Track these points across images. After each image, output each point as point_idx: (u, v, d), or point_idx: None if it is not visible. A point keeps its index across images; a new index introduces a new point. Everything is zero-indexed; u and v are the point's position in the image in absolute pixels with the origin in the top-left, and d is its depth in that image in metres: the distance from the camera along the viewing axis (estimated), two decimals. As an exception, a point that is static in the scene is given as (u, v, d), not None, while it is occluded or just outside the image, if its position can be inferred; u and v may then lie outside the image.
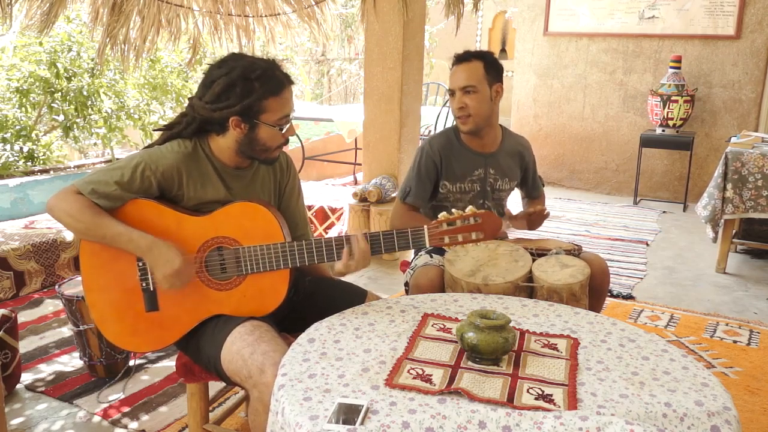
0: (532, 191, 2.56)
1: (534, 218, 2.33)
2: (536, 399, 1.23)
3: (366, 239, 1.65)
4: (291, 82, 1.73)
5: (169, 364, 2.70)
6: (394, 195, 4.13)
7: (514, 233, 3.70)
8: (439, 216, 1.64)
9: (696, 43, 5.74)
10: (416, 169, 2.34)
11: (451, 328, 1.54)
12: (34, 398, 2.44)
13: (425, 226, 1.63)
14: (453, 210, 1.63)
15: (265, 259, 1.66)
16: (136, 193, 1.68)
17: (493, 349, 1.35)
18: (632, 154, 6.02)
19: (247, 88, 1.65)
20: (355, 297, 1.87)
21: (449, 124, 3.37)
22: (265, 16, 4.22)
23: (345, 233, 1.69)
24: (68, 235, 3.64)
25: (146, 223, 1.67)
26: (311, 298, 1.91)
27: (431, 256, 2.28)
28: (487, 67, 2.24)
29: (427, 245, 1.63)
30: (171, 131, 1.77)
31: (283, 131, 1.74)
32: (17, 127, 4.69)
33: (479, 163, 2.34)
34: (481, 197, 2.35)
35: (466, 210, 1.62)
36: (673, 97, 5.46)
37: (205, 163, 1.75)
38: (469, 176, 2.33)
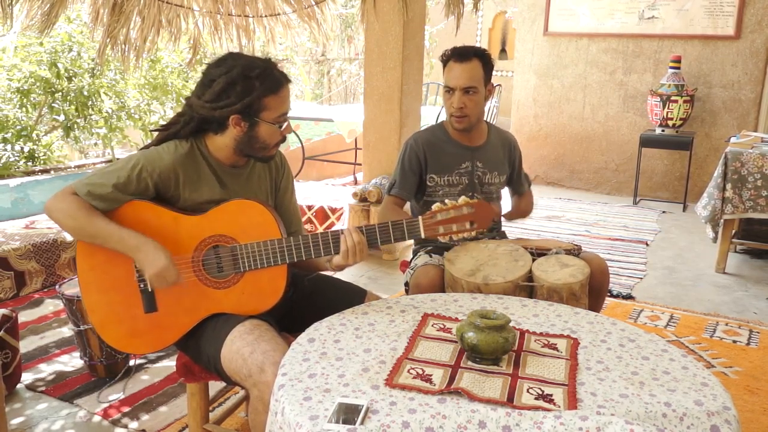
0: (518, 187, 2.58)
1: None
2: (536, 399, 1.24)
3: (361, 231, 1.67)
4: (288, 81, 1.75)
5: (169, 364, 2.70)
6: (394, 195, 4.13)
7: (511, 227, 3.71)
8: (432, 207, 1.65)
9: (696, 44, 5.74)
10: (401, 163, 2.39)
11: (451, 328, 1.54)
12: (35, 398, 2.44)
13: (420, 217, 1.64)
14: (446, 201, 1.65)
15: (263, 255, 1.67)
16: (132, 194, 1.68)
17: (493, 349, 1.35)
18: (632, 154, 6.02)
19: (248, 86, 1.66)
20: (355, 297, 1.88)
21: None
22: (265, 16, 4.22)
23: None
24: (68, 235, 3.63)
25: (143, 224, 1.67)
26: (311, 298, 1.91)
27: (431, 256, 2.29)
28: (484, 67, 2.27)
29: (422, 235, 1.64)
30: (168, 131, 1.77)
31: (282, 129, 1.75)
32: (18, 127, 4.69)
33: (466, 157, 2.36)
34: (470, 190, 2.37)
35: (459, 200, 1.63)
36: (673, 97, 5.46)
37: (201, 163, 1.75)
38: (456, 169, 2.36)
